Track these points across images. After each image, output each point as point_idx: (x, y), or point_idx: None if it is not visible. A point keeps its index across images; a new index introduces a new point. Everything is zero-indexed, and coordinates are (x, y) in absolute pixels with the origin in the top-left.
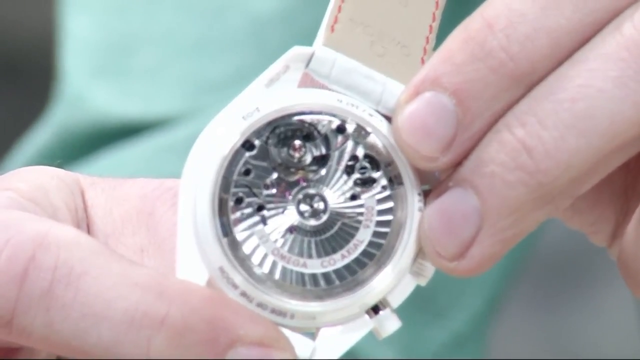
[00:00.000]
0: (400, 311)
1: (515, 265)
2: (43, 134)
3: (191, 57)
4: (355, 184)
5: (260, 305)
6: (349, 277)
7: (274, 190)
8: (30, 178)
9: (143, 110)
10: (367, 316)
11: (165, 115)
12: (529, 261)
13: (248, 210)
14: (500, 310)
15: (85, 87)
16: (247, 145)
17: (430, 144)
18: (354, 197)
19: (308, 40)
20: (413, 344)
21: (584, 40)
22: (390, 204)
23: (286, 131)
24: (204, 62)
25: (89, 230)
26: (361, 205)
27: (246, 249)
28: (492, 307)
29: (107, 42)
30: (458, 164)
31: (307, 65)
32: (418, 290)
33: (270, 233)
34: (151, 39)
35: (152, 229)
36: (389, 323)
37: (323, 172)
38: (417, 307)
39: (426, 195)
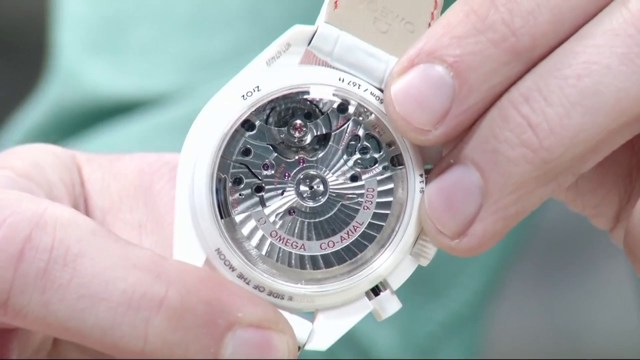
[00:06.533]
0: (399, 292)
1: (515, 246)
2: (37, 110)
3: (187, 34)
4: (356, 164)
5: (257, 287)
6: (348, 260)
7: (273, 171)
8: (26, 155)
9: (139, 87)
10: (366, 298)
11: (161, 92)
12: (529, 242)
13: (247, 192)
14: (500, 290)
15: (79, 63)
16: (247, 124)
17: (423, 115)
18: (354, 178)
19: (304, 17)
20: (412, 324)
21: (587, 17)
22: (390, 185)
23: (287, 110)
24: (200, 39)
25: (86, 206)
26: (361, 187)
27: (244, 230)
28: (491, 287)
29: (102, 18)
30: (452, 140)
31: (309, 43)
32: (417, 270)
33: (269, 215)
34: (147, 16)
35: (150, 204)
36: (389, 305)
37: (323, 152)
38: (415, 287)
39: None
